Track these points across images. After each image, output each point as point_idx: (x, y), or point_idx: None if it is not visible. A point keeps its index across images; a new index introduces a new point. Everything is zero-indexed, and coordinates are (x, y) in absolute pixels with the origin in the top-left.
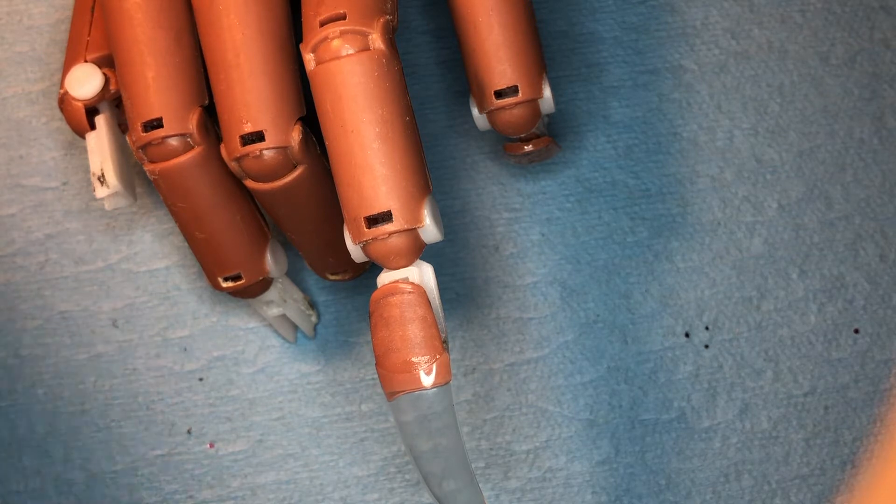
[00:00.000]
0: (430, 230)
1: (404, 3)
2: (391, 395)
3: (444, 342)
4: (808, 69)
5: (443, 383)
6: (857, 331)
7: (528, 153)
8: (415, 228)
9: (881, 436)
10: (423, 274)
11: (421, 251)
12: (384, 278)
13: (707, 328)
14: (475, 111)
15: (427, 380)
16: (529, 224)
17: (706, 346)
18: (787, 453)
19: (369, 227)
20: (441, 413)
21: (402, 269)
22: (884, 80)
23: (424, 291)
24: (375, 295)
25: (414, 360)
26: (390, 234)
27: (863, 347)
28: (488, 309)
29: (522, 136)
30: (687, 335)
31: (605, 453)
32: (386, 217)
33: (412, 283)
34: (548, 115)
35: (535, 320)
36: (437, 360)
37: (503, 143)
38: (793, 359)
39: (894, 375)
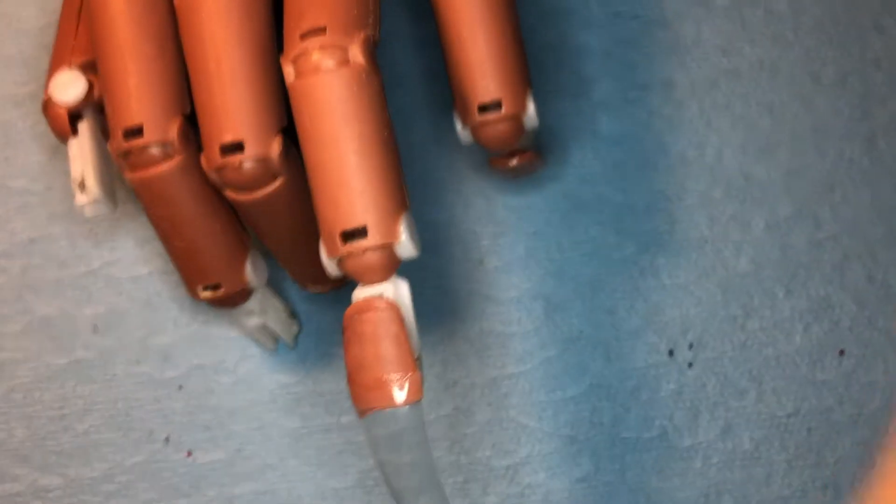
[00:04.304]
0: (405, 246)
1: (393, 12)
2: (362, 412)
3: (418, 360)
4: (799, 88)
5: (414, 401)
6: (842, 352)
7: (513, 168)
8: (390, 244)
9: (864, 459)
10: (398, 290)
11: (396, 267)
12: (358, 294)
13: (691, 346)
14: (459, 125)
15: (399, 397)
16: (515, 238)
17: (690, 365)
18: (768, 474)
19: (345, 242)
20: (412, 430)
21: (377, 285)
22: (875, 100)
23: (398, 308)
24: (349, 311)
25: (386, 377)
26: (365, 249)
27: (848, 369)
28: (471, 322)
29: (507, 150)
30: (671, 353)
31: (584, 470)
32: (361, 232)
33: (386, 300)
34: (534, 130)
35: (518, 335)
36: (409, 377)
37: (488, 156)
38: (777, 379)
39: (879, 398)
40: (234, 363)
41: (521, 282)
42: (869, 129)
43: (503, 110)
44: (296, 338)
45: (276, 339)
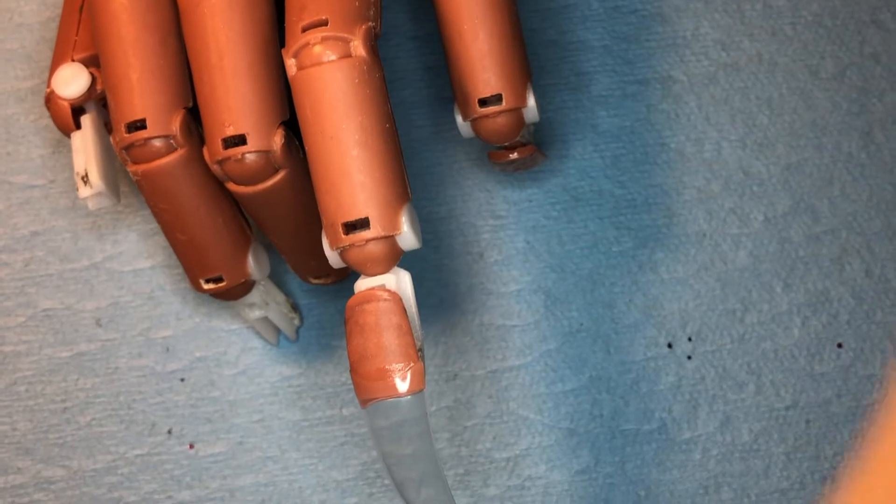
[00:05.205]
0: (407, 238)
1: (394, 8)
2: (365, 402)
3: (420, 350)
4: (798, 82)
5: (417, 391)
6: (840, 345)
7: (513, 161)
8: (392, 236)
9: (862, 451)
10: (400, 281)
11: (398, 258)
12: (361, 285)
13: (690, 339)
14: (459, 119)
15: (401, 388)
16: (515, 232)
17: (689, 358)
18: (767, 467)
19: (347, 234)
20: (415, 421)
21: (379, 276)
22: (873, 94)
23: (401, 299)
24: (351, 302)
25: (388, 367)
26: (367, 240)
27: (846, 362)
28: (472, 315)
29: (507, 144)
30: (670, 346)
31: (584, 463)
32: (363, 224)
33: (389, 291)
34: (534, 124)
35: (519, 328)
36: (411, 367)
37: (488, 150)
38: (775, 372)
39: (877, 391)
40: (236, 356)
41: (521, 275)
42: (867, 123)
43: (503, 104)
44: (297, 330)
45: (277, 332)
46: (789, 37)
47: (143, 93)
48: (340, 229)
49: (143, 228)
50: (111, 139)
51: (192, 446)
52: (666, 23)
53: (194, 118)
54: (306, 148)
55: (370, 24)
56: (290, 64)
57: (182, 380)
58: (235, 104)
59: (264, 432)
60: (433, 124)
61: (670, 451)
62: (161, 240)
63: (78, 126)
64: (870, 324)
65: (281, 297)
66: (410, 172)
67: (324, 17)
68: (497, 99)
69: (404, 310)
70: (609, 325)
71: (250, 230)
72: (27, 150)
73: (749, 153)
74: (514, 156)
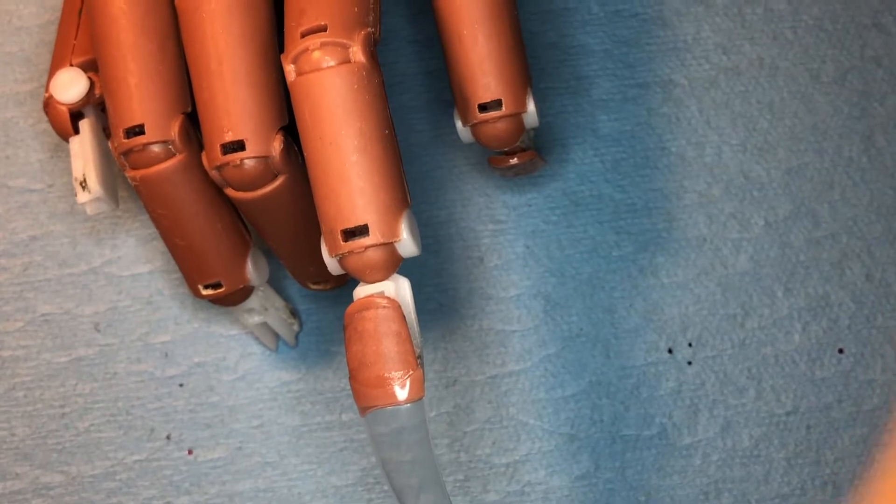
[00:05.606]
0: (406, 244)
1: (393, 12)
2: (364, 409)
3: (419, 357)
4: (799, 86)
5: (416, 399)
6: (841, 350)
7: (513, 166)
8: (391, 242)
9: (863, 457)
10: (399, 288)
11: (398, 265)
12: (360, 292)
13: (690, 345)
14: (459, 124)
15: (400, 395)
16: (514, 236)
17: (689, 363)
18: (767, 472)
19: (346, 240)
20: (414, 428)
21: (378, 283)
22: (874, 98)
23: (400, 306)
24: (350, 309)
25: (387, 375)
26: (367, 247)
27: (846, 367)
28: (471, 320)
29: (507, 149)
30: (670, 351)
31: (584, 468)
32: (363, 230)
33: (388, 298)
34: (534, 129)
35: (518, 333)
36: (410, 375)
37: (488, 155)
38: (776, 377)
39: (878, 396)
40: (235, 361)
41: (520, 280)
42: (868, 127)
43: (503, 109)
44: (296, 336)
45: (276, 338)
46: (790, 41)
47: (141, 98)
48: (339, 236)
49: (141, 233)
50: (109, 144)
51: (190, 452)
52: (667, 27)
53: (193, 123)
54: (305, 154)
55: (369, 29)
56: (290, 69)
57: (181, 385)
58: (234, 110)
59: (263, 438)
60: (433, 129)
61: (671, 457)
62: (159, 245)
63: (76, 131)
64: (870, 328)
65: (280, 302)
66: (410, 177)
67: (323, 23)
68: (497, 104)
69: (403, 317)
70: (609, 330)
71: (249, 236)
72: (26, 154)
73: (750, 157)
74: (514, 161)
